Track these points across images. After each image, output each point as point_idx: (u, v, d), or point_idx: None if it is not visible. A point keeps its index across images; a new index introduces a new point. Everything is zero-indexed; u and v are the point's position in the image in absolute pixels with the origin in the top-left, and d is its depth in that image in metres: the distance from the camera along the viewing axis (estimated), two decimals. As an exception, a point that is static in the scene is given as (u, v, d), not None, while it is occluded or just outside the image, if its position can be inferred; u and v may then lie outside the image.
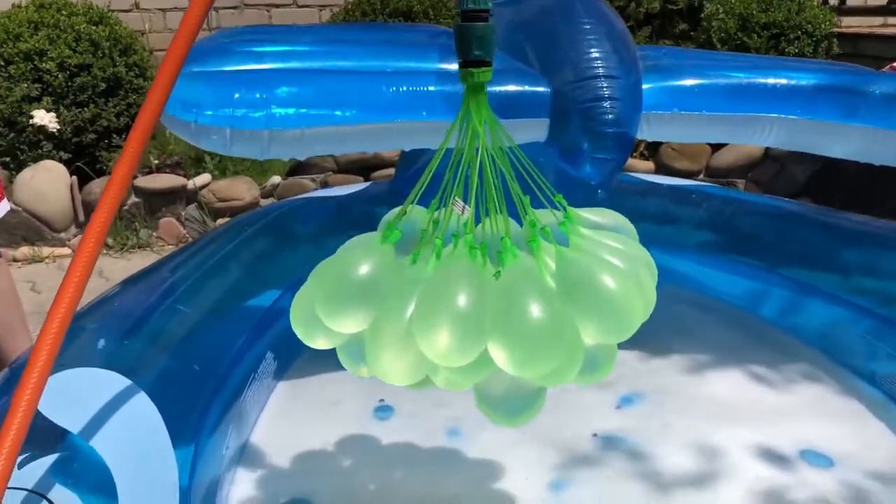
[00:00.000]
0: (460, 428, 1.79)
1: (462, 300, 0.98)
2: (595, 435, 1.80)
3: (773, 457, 1.72)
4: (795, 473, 1.67)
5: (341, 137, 1.71)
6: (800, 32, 4.57)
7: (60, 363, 1.41)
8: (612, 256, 1.12)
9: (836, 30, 4.82)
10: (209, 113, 1.67)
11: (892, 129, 1.79)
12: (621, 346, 1.17)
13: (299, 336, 1.17)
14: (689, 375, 2.07)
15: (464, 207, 1.12)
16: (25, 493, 1.04)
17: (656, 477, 1.66)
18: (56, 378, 1.34)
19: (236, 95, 1.63)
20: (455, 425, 1.80)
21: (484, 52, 1.06)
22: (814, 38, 4.61)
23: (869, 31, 5.38)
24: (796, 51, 4.56)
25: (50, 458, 1.12)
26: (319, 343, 1.16)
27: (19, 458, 1.14)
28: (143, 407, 1.37)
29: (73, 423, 1.23)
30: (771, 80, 1.87)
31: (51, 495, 1.05)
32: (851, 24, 5.61)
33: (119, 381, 1.39)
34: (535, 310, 0.98)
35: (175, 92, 0.98)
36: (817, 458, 1.71)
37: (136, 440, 1.29)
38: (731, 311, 2.41)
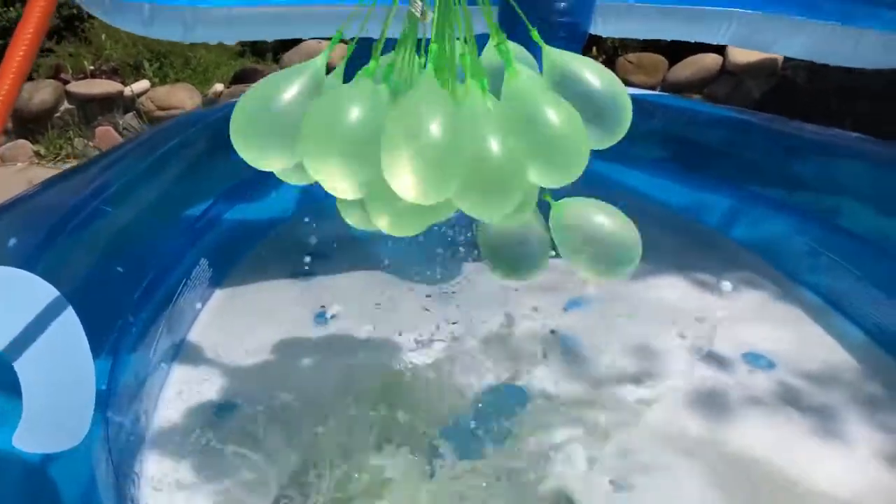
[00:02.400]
0: (405, 333, 1.74)
1: (435, 132, 0.88)
2: (553, 331, 1.80)
3: (716, 358, 1.72)
4: (737, 374, 1.67)
5: (273, 19, 1.58)
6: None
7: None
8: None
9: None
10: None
11: (851, 26, 1.73)
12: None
13: (247, 159, 1.03)
14: (634, 281, 2.05)
15: (422, 10, 1.01)
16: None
17: (600, 375, 1.65)
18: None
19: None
20: (400, 330, 1.75)
21: None
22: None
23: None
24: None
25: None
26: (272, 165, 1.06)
27: None
28: (59, 309, 1.28)
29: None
30: (730, -27, 1.78)
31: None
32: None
33: (33, 281, 1.30)
34: (495, 147, 0.94)
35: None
36: (758, 360, 1.72)
37: (49, 341, 1.21)
38: (675, 219, 2.39)
